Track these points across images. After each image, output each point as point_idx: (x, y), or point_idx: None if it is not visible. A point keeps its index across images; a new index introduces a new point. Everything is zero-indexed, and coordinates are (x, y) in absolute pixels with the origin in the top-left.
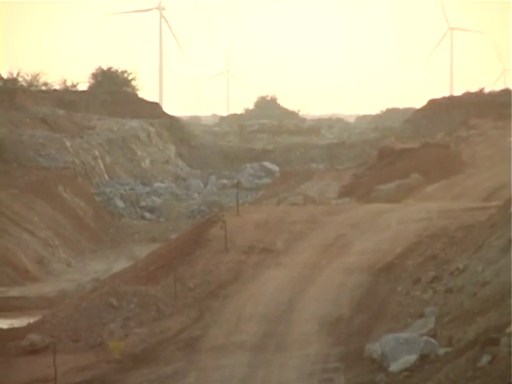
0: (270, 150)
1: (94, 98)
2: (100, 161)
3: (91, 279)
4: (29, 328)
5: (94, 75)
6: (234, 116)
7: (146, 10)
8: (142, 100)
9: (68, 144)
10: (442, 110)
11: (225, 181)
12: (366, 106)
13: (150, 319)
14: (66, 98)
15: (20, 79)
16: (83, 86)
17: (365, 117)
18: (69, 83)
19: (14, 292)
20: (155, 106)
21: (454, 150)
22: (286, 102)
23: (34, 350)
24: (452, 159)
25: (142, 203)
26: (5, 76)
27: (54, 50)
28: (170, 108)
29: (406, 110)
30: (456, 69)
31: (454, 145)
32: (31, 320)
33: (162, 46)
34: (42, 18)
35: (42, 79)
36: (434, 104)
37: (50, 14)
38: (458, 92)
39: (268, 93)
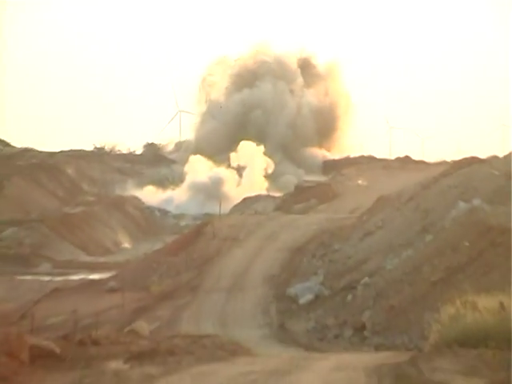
0: None
1: None
2: None
3: (142, 253)
4: (109, 279)
5: None
6: None
7: None
8: None
9: None
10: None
11: None
12: None
13: (173, 274)
14: None
15: None
16: None
17: None
18: None
19: (102, 259)
20: None
21: (333, 186)
22: None
23: (112, 290)
24: (332, 191)
25: (181, 216)
26: None
27: None
28: None
29: None
30: None
31: (334, 183)
32: (111, 274)
33: None
34: None
35: None
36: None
37: None
38: None
39: None
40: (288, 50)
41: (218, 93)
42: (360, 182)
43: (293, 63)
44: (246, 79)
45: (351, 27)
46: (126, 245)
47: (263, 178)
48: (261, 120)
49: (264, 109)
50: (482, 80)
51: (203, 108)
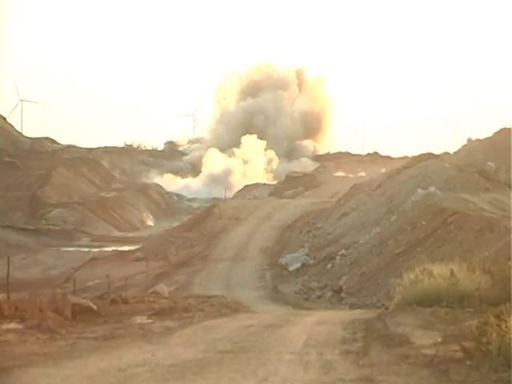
0: None
1: None
2: None
3: (163, 229)
4: (136, 250)
5: None
6: None
7: None
8: None
9: None
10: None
11: None
12: None
13: (188, 247)
14: None
15: None
16: None
17: None
18: None
19: (130, 234)
20: None
21: (316, 176)
22: None
23: (139, 259)
24: (315, 180)
25: (194, 200)
26: None
27: None
28: None
29: None
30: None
31: (317, 174)
32: (137, 246)
33: None
34: None
35: None
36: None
37: None
38: None
39: None
40: (285, 66)
41: (228, 102)
42: (338, 172)
43: (289, 76)
44: (251, 90)
45: (335, 50)
46: (150, 223)
47: (263, 170)
48: (262, 123)
49: (265, 114)
50: (437, 94)
51: (217, 114)
